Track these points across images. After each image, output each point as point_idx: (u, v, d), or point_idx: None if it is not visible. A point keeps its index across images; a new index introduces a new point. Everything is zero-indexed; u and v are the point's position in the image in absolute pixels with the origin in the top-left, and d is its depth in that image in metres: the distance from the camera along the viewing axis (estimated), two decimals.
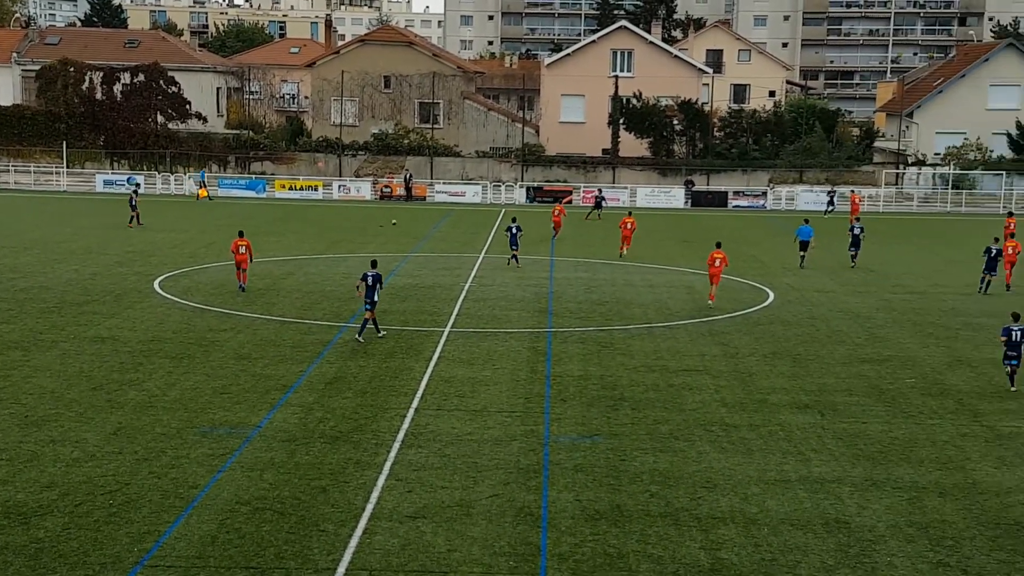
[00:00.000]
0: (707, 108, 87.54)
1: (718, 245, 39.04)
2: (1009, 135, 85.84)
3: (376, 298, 31.03)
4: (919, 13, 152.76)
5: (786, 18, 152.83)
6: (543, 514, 18.67)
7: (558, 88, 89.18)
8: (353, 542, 17.34)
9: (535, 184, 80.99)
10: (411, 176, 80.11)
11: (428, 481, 20.09)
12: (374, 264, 32.09)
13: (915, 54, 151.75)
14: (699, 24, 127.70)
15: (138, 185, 73.56)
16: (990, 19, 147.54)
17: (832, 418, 24.55)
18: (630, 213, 53.27)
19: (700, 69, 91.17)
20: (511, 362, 29.29)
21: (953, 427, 24.04)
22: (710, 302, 37.71)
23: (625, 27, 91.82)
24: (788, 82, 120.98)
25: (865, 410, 25.25)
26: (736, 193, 78.52)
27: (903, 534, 18.06)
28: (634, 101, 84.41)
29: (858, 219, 51.43)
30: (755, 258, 49.97)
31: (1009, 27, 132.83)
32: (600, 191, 72.36)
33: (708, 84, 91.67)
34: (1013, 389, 27.27)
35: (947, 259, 50.99)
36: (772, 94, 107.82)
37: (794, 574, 16.57)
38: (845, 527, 18.32)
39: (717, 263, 37.60)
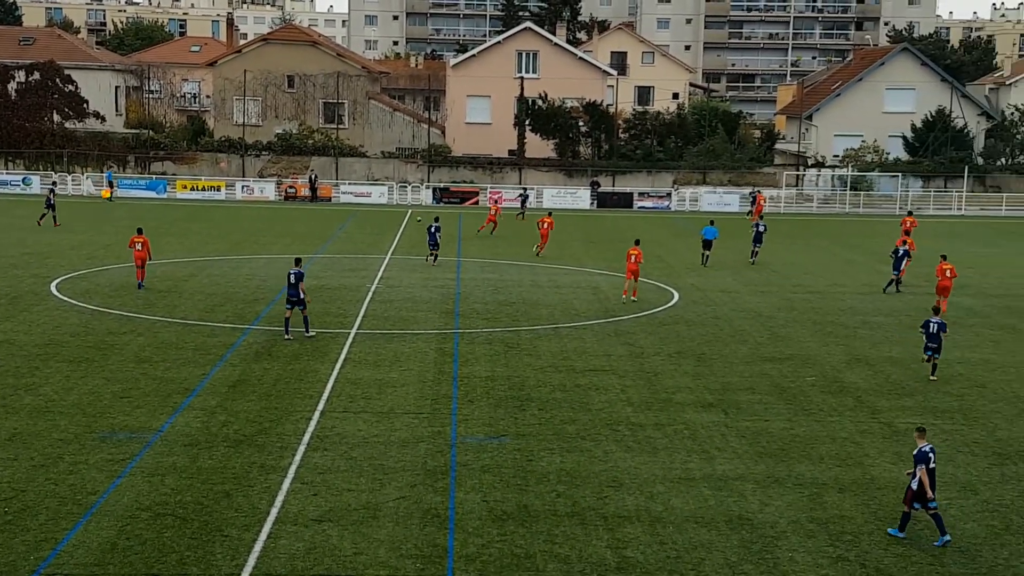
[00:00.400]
0: (612, 110, 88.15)
1: (636, 243, 40.03)
2: (904, 137, 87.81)
3: (301, 295, 31.26)
4: (817, 18, 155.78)
5: (688, 21, 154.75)
6: (450, 515, 18.63)
7: (464, 89, 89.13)
8: (257, 547, 17.12)
9: (442, 185, 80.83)
10: (316, 176, 79.42)
11: (334, 484, 19.92)
12: (298, 261, 32.47)
13: (814, 58, 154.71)
14: (603, 26, 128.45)
15: (55, 183, 71.63)
16: (885, 24, 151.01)
17: (735, 416, 24.88)
18: (550, 213, 53.84)
19: (605, 71, 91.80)
20: (418, 363, 29.19)
21: (852, 424, 24.52)
22: (629, 297, 38.55)
23: (530, 28, 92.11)
24: (691, 84, 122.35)
25: (767, 408, 25.63)
26: (641, 194, 79.19)
27: (804, 530, 18.36)
28: (540, 102, 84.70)
29: (762, 217, 52.53)
30: (660, 258, 50.43)
31: (904, 32, 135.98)
32: (525, 190, 72.71)
33: (613, 86, 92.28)
34: (934, 379, 28.28)
35: (845, 259, 52.01)
36: (676, 96, 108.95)
37: (698, 571, 16.75)
38: (748, 524, 18.57)
39: (633, 259, 38.52)
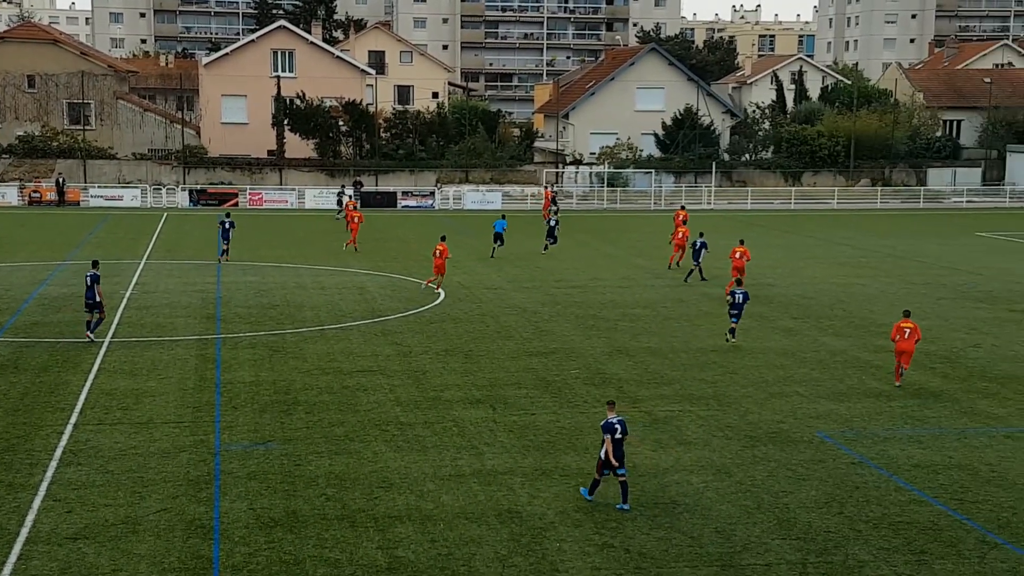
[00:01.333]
0: (372, 109, 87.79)
1: (443, 239, 41.96)
2: (656, 135, 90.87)
3: (97, 298, 31.09)
4: (570, 18, 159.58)
5: (445, 20, 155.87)
6: (215, 525, 18.11)
7: (218, 88, 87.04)
8: (7, 570, 16.20)
9: (198, 187, 78.63)
10: (64, 180, 75.92)
11: (90, 499, 19.06)
12: (95, 264, 32.22)
13: (568, 57, 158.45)
14: (360, 25, 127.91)
15: None
16: (634, 25, 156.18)
17: (503, 411, 25.15)
18: (355, 208, 55.09)
19: (363, 70, 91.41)
20: (178, 371, 28.29)
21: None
22: (427, 286, 40.73)
23: (285, 27, 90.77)
24: (450, 84, 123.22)
25: (534, 402, 26.01)
26: (405, 193, 79.19)
27: (571, 519, 18.71)
28: (298, 102, 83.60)
29: (555, 212, 56.74)
30: (426, 257, 50.50)
31: (652, 33, 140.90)
32: (343, 188, 72.87)
33: (372, 85, 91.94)
34: (731, 341, 32.16)
35: (605, 254, 53.38)
36: (435, 95, 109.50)
37: (469, 567, 16.82)
38: (517, 517, 18.79)
39: (439, 253, 40.60)
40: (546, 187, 75.31)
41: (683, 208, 57.54)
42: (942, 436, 23.61)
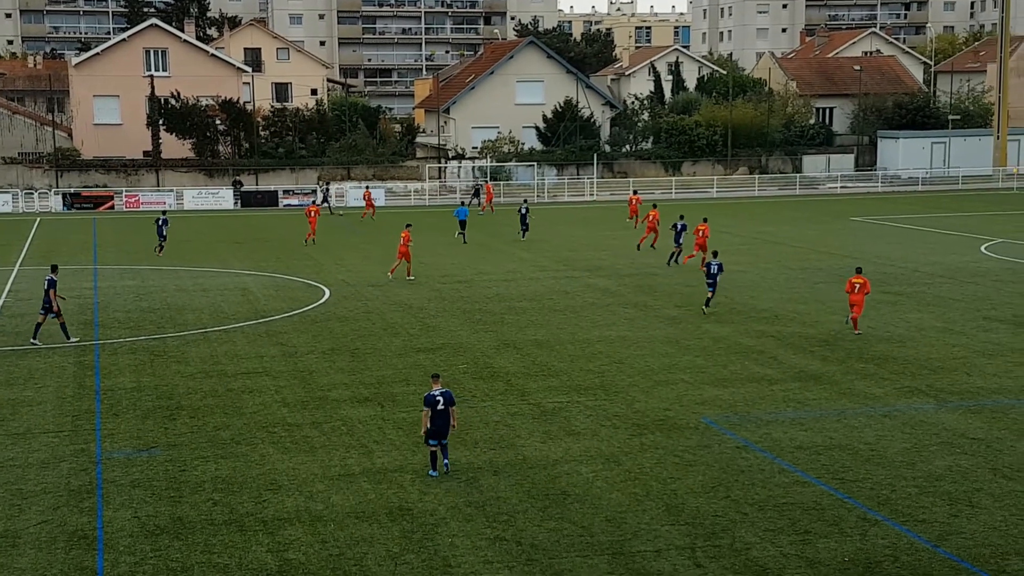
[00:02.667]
0: (250, 107, 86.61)
1: (408, 226, 43.53)
2: (537, 128, 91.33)
3: (51, 303, 31.19)
4: (447, 12, 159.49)
5: (321, 16, 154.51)
6: (99, 535, 17.71)
7: (90, 89, 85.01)
8: None
9: (72, 190, 76.72)
10: None
11: None
12: (53, 268, 32.59)
13: (447, 52, 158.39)
14: (234, 22, 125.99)
15: None
16: (512, 18, 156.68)
17: (392, 409, 25.03)
18: (314, 202, 57.41)
19: (239, 68, 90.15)
20: (56, 379, 27.58)
21: (503, 407, 25.22)
22: (391, 275, 42.56)
23: (157, 25, 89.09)
24: (329, 80, 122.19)
25: (422, 398, 25.86)
26: (286, 192, 78.32)
27: (462, 514, 18.71)
28: (173, 101, 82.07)
29: (526, 200, 61.37)
30: (309, 256, 50.10)
31: (530, 26, 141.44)
32: (327, 186, 75.15)
33: (249, 83, 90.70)
34: (708, 309, 35.20)
35: (489, 248, 53.49)
36: (314, 92, 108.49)
37: (361, 566, 16.72)
38: (408, 514, 18.73)
39: (403, 241, 42.45)
40: (485, 182, 77.59)
41: (635, 193, 63.57)
42: (823, 418, 24.18)
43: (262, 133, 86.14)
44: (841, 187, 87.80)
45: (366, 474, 20.70)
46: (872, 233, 58.12)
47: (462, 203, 58.04)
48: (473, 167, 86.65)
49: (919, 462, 21.13)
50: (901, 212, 68.46)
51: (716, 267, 35.46)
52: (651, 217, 50.95)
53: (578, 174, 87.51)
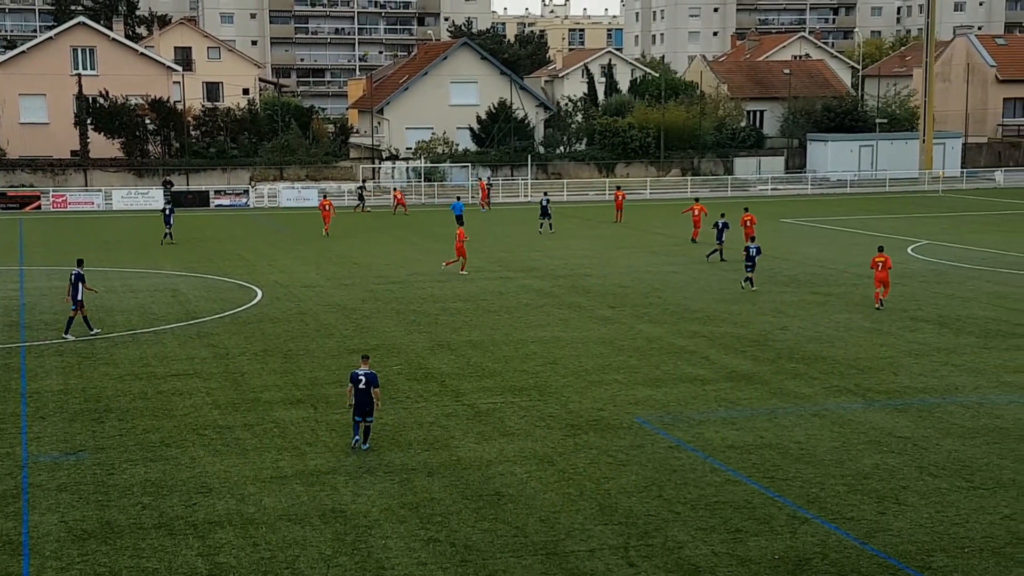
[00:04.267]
0: (180, 106, 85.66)
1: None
2: (472, 129, 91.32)
3: (80, 296, 31.84)
4: (380, 13, 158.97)
5: (253, 16, 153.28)
6: (24, 541, 17.41)
7: (15, 88, 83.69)
8: None
9: None
10: None
11: None
12: (79, 263, 33.12)
13: (380, 52, 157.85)
14: (164, 21, 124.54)
15: None
16: (446, 19, 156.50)
17: (325, 410, 24.88)
18: (326, 196, 58.70)
19: (169, 67, 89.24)
20: None
21: (438, 408, 25.17)
22: (447, 267, 43.78)
23: (84, 23, 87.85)
24: (261, 80, 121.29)
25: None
26: (218, 192, 77.54)
27: (396, 516, 18.64)
28: (101, 100, 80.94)
29: (546, 193, 64.17)
30: (241, 256, 49.65)
31: (463, 27, 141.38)
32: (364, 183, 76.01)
33: (179, 82, 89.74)
34: (745, 288, 39.51)
35: (423, 248, 53.34)
36: (246, 92, 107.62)
37: (293, 569, 16.60)
38: (342, 516, 18.62)
39: (459, 239, 43.78)
40: (480, 180, 78.08)
41: (619, 188, 66.89)
42: (754, 417, 24.43)
43: (193, 133, 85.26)
44: (772, 189, 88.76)
45: (298, 476, 20.55)
46: (802, 234, 58.82)
47: (458, 198, 59.91)
48: (407, 167, 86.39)
49: (847, 460, 21.42)
50: (830, 214, 69.38)
51: (755, 249, 39.90)
52: (695, 212, 54.55)
53: (512, 175, 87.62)
